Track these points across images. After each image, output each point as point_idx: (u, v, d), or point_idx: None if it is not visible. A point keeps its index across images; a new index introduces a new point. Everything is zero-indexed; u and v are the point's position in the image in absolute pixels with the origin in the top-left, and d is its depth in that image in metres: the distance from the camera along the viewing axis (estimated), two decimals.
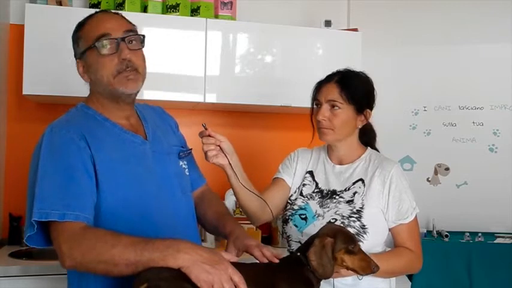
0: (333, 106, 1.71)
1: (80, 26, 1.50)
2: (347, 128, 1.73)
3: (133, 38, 1.46)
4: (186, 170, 1.63)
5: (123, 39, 1.43)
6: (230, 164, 1.58)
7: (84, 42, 1.46)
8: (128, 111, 1.52)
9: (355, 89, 1.72)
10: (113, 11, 1.56)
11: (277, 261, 1.41)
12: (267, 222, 1.87)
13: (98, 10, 1.55)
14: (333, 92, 1.71)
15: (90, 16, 1.50)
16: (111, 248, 1.23)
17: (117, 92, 1.45)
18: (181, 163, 1.61)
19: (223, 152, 1.57)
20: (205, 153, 1.56)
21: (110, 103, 1.49)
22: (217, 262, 1.22)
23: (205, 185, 1.75)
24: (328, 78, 1.76)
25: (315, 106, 1.78)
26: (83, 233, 1.28)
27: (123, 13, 1.54)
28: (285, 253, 1.52)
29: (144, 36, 1.50)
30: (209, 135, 1.55)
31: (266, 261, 1.41)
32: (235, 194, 1.68)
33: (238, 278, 1.22)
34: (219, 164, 1.58)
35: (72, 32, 1.53)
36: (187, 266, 1.19)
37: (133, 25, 1.52)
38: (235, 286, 1.21)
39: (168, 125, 1.68)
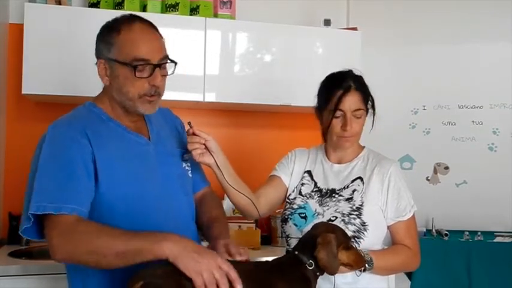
0: (356, 115, 1.70)
1: (114, 30, 1.44)
2: (361, 131, 1.75)
3: (166, 64, 1.48)
4: (189, 171, 1.63)
5: (159, 65, 1.44)
6: (216, 162, 1.58)
7: (117, 52, 1.43)
8: (136, 116, 1.53)
9: (368, 93, 1.74)
10: (147, 20, 1.50)
11: (240, 259, 1.38)
12: (262, 222, 1.89)
13: (131, 15, 1.48)
14: (357, 102, 1.70)
15: (127, 23, 1.44)
16: (98, 238, 1.25)
17: (136, 109, 1.47)
18: (184, 165, 1.61)
19: (209, 151, 1.56)
20: (191, 152, 1.55)
21: (121, 109, 1.50)
22: (205, 251, 1.23)
23: (207, 187, 1.75)
24: (347, 86, 1.70)
25: (335, 116, 1.70)
26: (76, 225, 1.30)
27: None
28: (283, 253, 1.52)
29: (176, 63, 1.50)
30: (194, 134, 1.55)
31: (226, 255, 1.39)
32: (224, 191, 1.68)
33: (227, 266, 1.21)
34: (205, 163, 1.58)
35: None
36: (175, 256, 1.19)
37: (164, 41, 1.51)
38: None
39: (174, 127, 1.69)
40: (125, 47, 1.42)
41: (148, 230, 1.28)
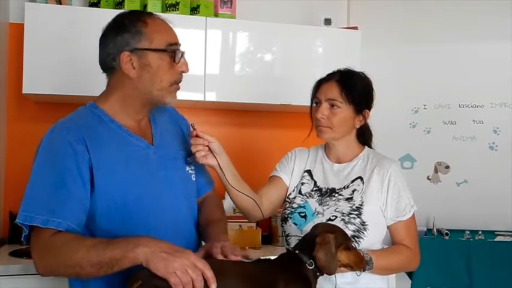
0: (332, 105, 1.71)
1: (139, 20, 1.43)
2: (345, 127, 1.74)
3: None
4: (193, 175, 1.62)
5: (183, 52, 1.46)
6: (219, 164, 1.57)
7: (148, 41, 1.41)
8: (143, 114, 1.51)
9: (355, 89, 1.72)
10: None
11: (235, 259, 1.36)
12: (262, 221, 1.90)
13: (144, 11, 1.52)
14: (332, 91, 1.72)
15: (148, 15, 1.45)
16: (75, 252, 1.24)
17: (162, 100, 1.46)
18: (187, 168, 1.60)
19: (213, 153, 1.56)
20: (194, 154, 1.54)
21: (137, 104, 1.47)
22: (177, 250, 1.20)
23: (211, 191, 1.73)
24: (329, 77, 1.77)
25: (314, 104, 1.78)
26: (51, 240, 1.28)
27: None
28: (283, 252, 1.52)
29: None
30: (197, 136, 1.54)
31: (221, 257, 1.37)
32: (227, 192, 1.68)
33: (202, 264, 1.19)
34: (208, 164, 1.58)
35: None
36: (146, 259, 1.17)
37: None
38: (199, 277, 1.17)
39: (179, 128, 1.67)
40: (156, 34, 1.42)
41: (124, 237, 1.25)
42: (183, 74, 1.50)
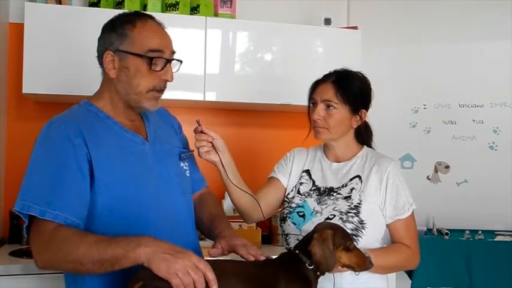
0: (328, 106, 1.72)
1: (128, 23, 1.44)
2: (342, 127, 1.74)
3: (176, 61, 1.49)
4: (187, 171, 1.63)
5: (170, 60, 1.46)
6: (221, 161, 1.60)
7: (130, 44, 1.42)
8: (135, 115, 1.53)
9: (350, 89, 1.73)
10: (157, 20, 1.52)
11: (262, 258, 1.39)
12: (262, 220, 1.93)
13: (143, 13, 1.50)
14: (328, 92, 1.72)
15: (141, 18, 1.46)
16: (76, 248, 1.24)
17: (140, 104, 1.46)
18: (182, 164, 1.61)
19: (216, 149, 1.59)
20: (198, 149, 1.58)
21: (122, 105, 1.48)
22: (179, 251, 1.19)
23: (206, 187, 1.75)
24: (325, 78, 1.77)
25: (311, 105, 1.79)
26: (53, 234, 1.28)
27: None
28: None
29: (182, 62, 1.51)
30: (202, 132, 1.57)
31: (252, 259, 1.39)
32: (227, 190, 1.69)
33: (203, 265, 1.18)
34: (210, 160, 1.60)
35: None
36: (148, 260, 1.17)
37: None
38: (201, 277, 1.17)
39: (171, 126, 1.68)
40: (140, 39, 1.42)
41: (125, 235, 1.24)
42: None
